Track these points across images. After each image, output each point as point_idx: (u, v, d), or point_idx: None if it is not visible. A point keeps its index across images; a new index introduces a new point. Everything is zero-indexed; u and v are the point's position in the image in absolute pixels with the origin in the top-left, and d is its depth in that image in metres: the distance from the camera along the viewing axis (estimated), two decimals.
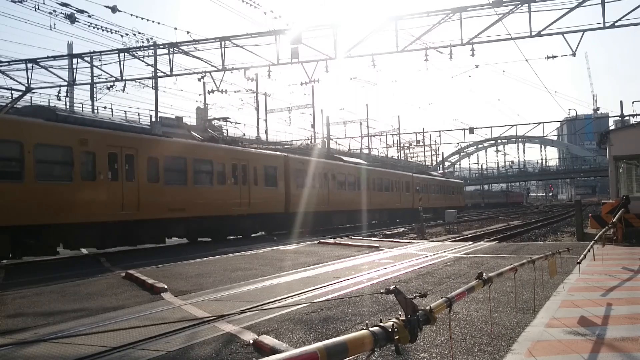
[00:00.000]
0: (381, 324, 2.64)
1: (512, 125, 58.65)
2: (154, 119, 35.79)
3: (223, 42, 22.96)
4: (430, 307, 3.22)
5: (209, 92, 31.44)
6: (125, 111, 45.42)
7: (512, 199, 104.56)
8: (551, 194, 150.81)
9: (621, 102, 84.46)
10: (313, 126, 57.75)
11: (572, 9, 19.11)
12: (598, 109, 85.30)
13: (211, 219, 20.78)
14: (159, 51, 25.17)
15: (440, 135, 70.19)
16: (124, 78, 25.40)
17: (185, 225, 19.70)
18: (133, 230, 17.32)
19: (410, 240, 20.75)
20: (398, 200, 39.73)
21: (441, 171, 79.09)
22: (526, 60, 21.84)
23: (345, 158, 36.68)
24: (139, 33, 26.27)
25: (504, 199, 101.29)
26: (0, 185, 13.57)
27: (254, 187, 23.32)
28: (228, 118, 31.64)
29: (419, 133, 68.22)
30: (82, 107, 41.38)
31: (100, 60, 25.41)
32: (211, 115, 49.95)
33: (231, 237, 22.31)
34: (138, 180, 17.34)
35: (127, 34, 26.62)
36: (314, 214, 27.70)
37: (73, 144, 15.35)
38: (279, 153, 27.97)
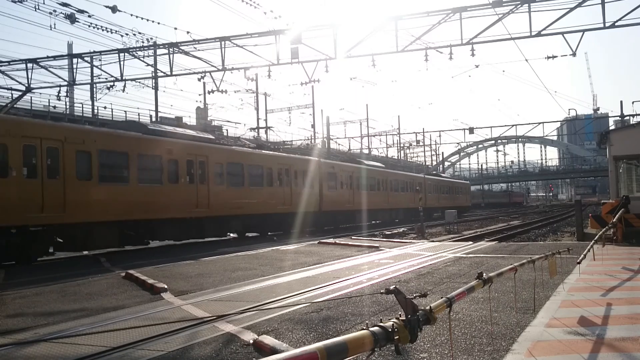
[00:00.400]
0: (381, 324, 2.64)
1: (512, 125, 58.57)
2: (154, 119, 35.85)
3: (223, 42, 22.94)
4: (430, 307, 3.22)
5: (209, 92, 31.39)
6: (125, 111, 45.34)
7: (513, 198, 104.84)
8: (552, 194, 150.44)
9: (621, 102, 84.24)
10: (313, 126, 57.76)
11: (572, 9, 19.09)
12: (598, 109, 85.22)
13: (259, 216, 24.06)
14: (159, 51, 25.15)
15: (440, 135, 70.30)
16: (124, 78, 25.36)
17: (242, 222, 23.06)
18: (205, 225, 20.59)
19: (410, 240, 20.75)
20: (412, 200, 42.15)
21: (449, 173, 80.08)
22: (526, 60, 21.83)
23: (366, 162, 40.69)
24: (139, 33, 26.26)
25: (507, 198, 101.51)
26: (112, 187, 16.74)
27: (295, 189, 26.66)
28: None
29: (419, 133, 68.18)
30: (82, 107, 41.39)
31: (100, 60, 25.37)
32: (211, 115, 50.03)
33: (271, 233, 25.16)
34: (208, 183, 20.65)
35: (127, 34, 26.62)
36: (342, 212, 31.70)
37: (162, 153, 18.71)
38: (314, 158, 31.01)
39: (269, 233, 24.96)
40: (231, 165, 22.27)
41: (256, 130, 48.33)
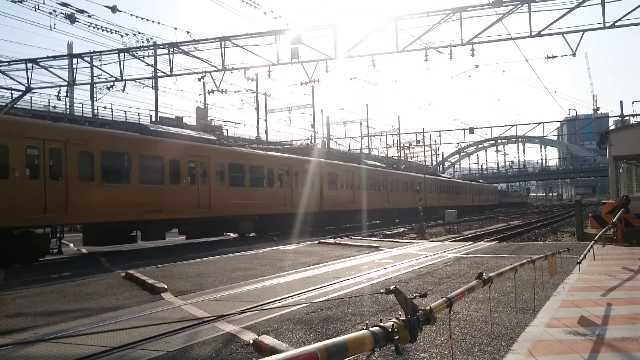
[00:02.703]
0: (381, 324, 2.64)
1: (512, 125, 58.65)
2: (154, 119, 35.85)
3: (223, 42, 22.94)
4: (430, 307, 3.22)
5: (209, 92, 31.42)
6: (125, 111, 45.33)
7: (515, 198, 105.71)
8: (556, 193, 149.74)
9: (621, 102, 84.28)
10: (313, 126, 57.79)
11: (572, 9, 19.09)
12: (598, 109, 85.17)
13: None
14: (159, 51, 25.15)
15: (440, 135, 70.40)
16: (124, 78, 25.36)
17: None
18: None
19: (410, 240, 20.74)
20: (466, 199, 52.41)
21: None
22: (526, 60, 21.84)
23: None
24: (139, 33, 26.25)
25: (519, 198, 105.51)
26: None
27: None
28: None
29: (419, 133, 68.17)
30: (82, 107, 41.40)
31: (100, 60, 25.38)
32: (211, 115, 50.03)
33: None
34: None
35: (127, 34, 26.60)
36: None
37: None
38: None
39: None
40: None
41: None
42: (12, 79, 26.52)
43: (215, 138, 25.78)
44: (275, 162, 25.66)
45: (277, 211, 24.93)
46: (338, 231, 28.17)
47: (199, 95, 60.57)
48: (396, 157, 74.56)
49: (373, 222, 35.64)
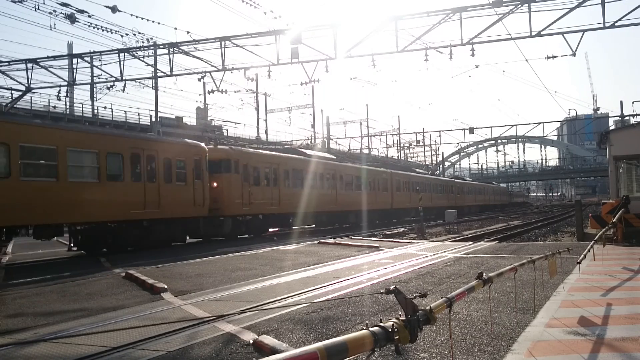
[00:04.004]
0: (381, 324, 2.64)
1: (512, 125, 58.69)
2: (154, 119, 35.82)
3: (223, 42, 22.95)
4: (430, 307, 3.22)
5: (209, 92, 31.45)
6: (125, 111, 45.35)
7: (518, 198, 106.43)
8: (559, 193, 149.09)
9: (621, 102, 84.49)
10: (313, 126, 57.75)
11: (572, 9, 19.10)
12: (598, 109, 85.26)
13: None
14: (159, 51, 25.16)
15: (440, 135, 70.42)
16: (124, 78, 25.38)
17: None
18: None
19: (410, 240, 20.73)
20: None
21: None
22: (526, 60, 21.84)
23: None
24: (139, 33, 26.25)
25: (521, 198, 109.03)
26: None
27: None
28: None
29: (419, 133, 68.27)
30: (82, 107, 41.41)
31: (100, 60, 25.40)
32: (211, 115, 50.00)
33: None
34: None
35: (127, 34, 26.60)
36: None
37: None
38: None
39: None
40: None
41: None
42: (12, 79, 26.56)
43: (334, 157, 36.00)
44: (371, 173, 36.67)
45: (376, 207, 35.92)
46: (338, 231, 28.17)
47: (199, 95, 60.59)
48: (396, 157, 74.60)
49: (430, 217, 43.25)
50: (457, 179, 63.09)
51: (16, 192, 13.94)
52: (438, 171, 74.52)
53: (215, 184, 21.58)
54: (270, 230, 26.27)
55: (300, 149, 34.87)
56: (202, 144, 21.79)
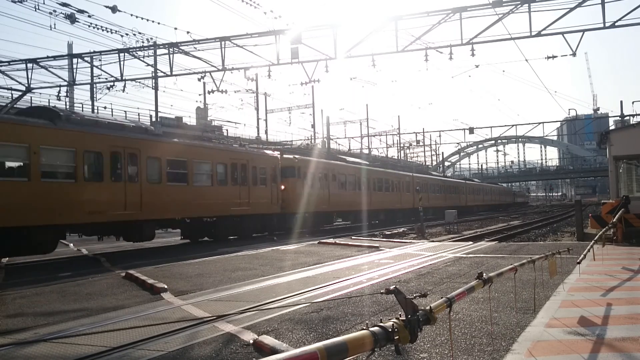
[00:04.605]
0: (381, 324, 2.64)
1: (512, 125, 58.72)
2: (154, 119, 35.82)
3: (223, 42, 22.95)
4: (430, 307, 3.22)
5: (209, 92, 31.42)
6: (125, 111, 45.38)
7: (519, 198, 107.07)
8: (559, 193, 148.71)
9: (621, 102, 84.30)
10: (313, 126, 57.63)
11: (572, 9, 19.09)
12: (598, 109, 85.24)
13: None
14: (159, 51, 25.14)
15: (440, 135, 70.36)
16: (124, 78, 25.39)
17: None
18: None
19: (410, 240, 20.73)
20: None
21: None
22: (526, 60, 21.84)
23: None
24: (139, 33, 26.22)
25: (522, 198, 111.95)
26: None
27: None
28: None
29: (419, 133, 68.17)
30: (82, 107, 41.38)
31: (100, 60, 25.40)
32: (211, 115, 50.00)
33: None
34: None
35: (127, 34, 26.55)
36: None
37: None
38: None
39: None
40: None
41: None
42: (12, 79, 26.60)
43: (367, 162, 38.39)
44: (397, 177, 40.76)
45: (394, 207, 39.43)
46: (339, 231, 28.19)
47: (199, 95, 60.46)
48: (396, 157, 74.60)
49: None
50: (466, 180, 68.58)
51: (163, 194, 18.31)
52: (439, 169, 77.89)
53: (283, 187, 25.64)
54: (326, 226, 30.66)
55: (340, 155, 39.67)
56: (277, 154, 26.44)
